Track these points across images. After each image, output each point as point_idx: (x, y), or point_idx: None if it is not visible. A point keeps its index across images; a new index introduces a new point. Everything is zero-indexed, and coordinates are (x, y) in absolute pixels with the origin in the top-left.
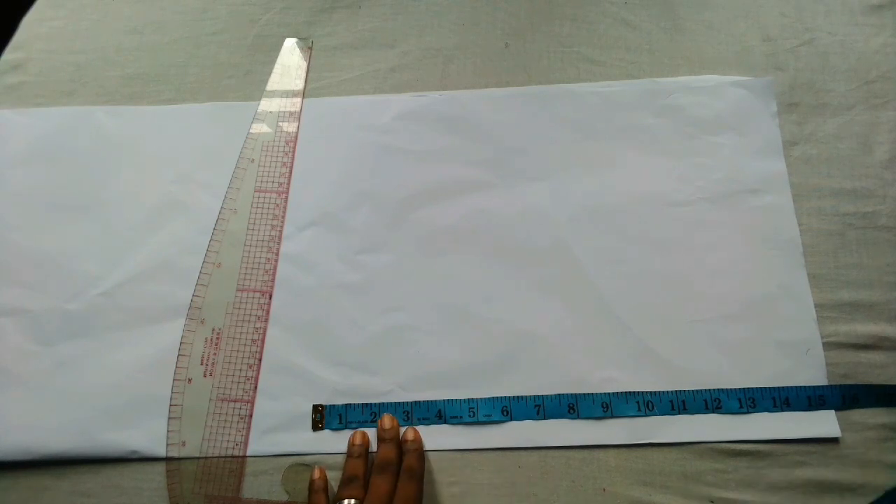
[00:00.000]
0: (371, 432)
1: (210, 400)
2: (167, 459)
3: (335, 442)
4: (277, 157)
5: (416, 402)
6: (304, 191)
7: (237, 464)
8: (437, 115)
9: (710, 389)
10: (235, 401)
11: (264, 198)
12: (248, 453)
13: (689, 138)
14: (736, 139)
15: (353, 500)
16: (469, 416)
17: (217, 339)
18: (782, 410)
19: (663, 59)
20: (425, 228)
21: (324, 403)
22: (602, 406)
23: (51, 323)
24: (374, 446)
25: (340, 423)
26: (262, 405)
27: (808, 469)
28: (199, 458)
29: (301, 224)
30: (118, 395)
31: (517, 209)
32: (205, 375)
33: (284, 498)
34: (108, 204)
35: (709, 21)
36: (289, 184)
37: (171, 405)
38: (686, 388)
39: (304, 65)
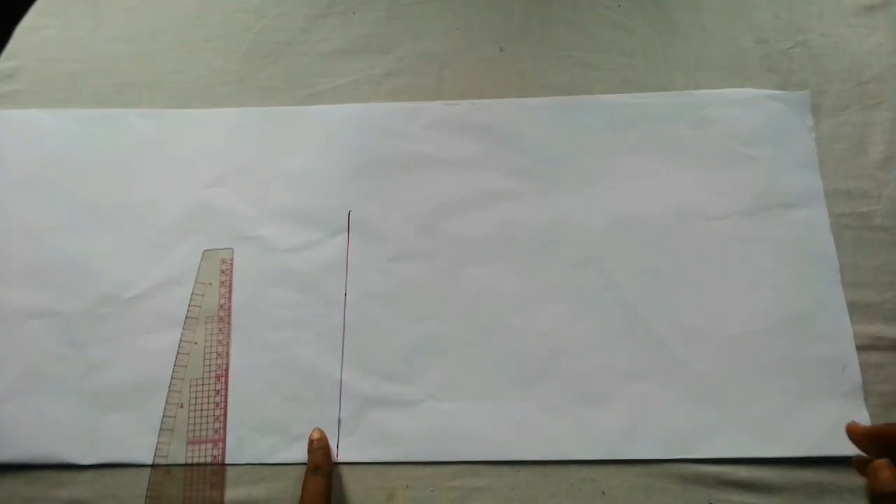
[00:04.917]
0: None
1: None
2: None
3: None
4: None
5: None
6: (335, 197)
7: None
8: (469, 125)
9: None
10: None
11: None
12: (282, 461)
13: (724, 151)
14: (771, 153)
15: None
16: None
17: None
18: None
19: (658, 62)
20: (457, 238)
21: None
22: None
23: (81, 326)
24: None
25: None
26: (289, 412)
27: (807, 470)
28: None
29: (332, 230)
30: (150, 401)
31: (550, 220)
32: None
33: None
34: (139, 207)
35: (703, 24)
36: None
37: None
38: (719, 404)
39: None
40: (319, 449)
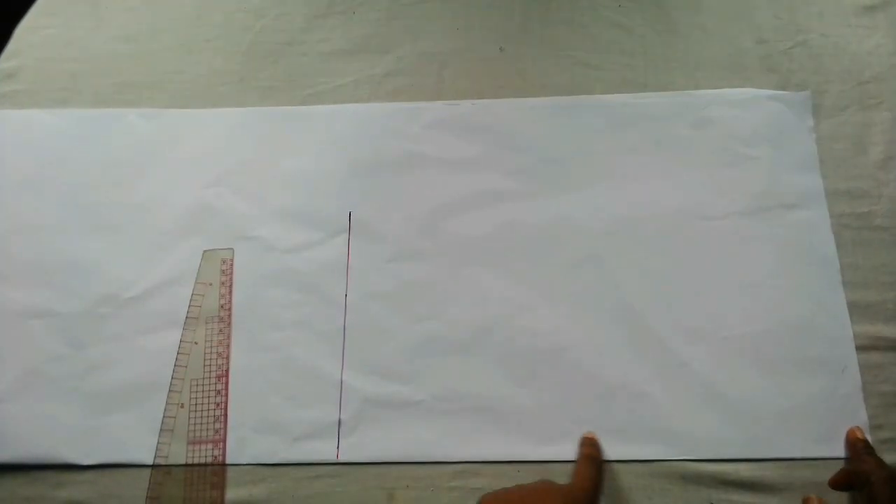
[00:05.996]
0: None
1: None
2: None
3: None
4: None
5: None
6: (335, 197)
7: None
8: (469, 125)
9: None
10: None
11: None
12: (282, 461)
13: (725, 151)
14: (771, 153)
15: None
16: None
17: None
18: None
19: (658, 62)
20: (458, 238)
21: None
22: None
23: (81, 326)
24: None
25: None
26: (290, 413)
27: (807, 470)
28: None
29: (332, 230)
30: (150, 401)
31: (550, 220)
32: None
33: None
34: (139, 207)
35: (703, 24)
36: None
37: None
38: (718, 404)
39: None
40: (591, 440)
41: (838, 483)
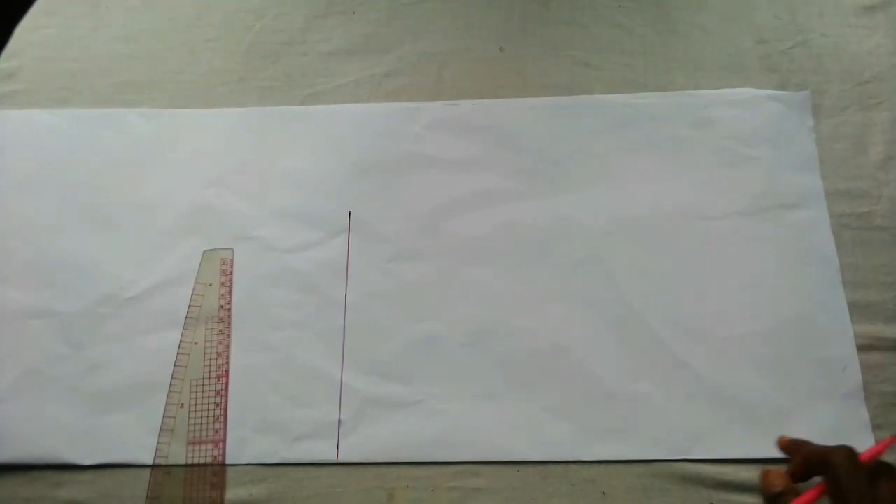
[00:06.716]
0: None
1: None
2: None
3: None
4: None
5: None
6: (335, 197)
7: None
8: (469, 125)
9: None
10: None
11: None
12: (282, 461)
13: (725, 151)
14: (771, 153)
15: None
16: None
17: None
18: None
19: (658, 61)
20: (457, 238)
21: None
22: None
23: (81, 326)
24: None
25: None
26: (290, 413)
27: None
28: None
29: (332, 231)
30: (150, 401)
31: (550, 220)
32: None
33: None
34: (139, 207)
35: (703, 24)
36: None
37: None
38: (718, 404)
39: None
40: None
41: (799, 472)
